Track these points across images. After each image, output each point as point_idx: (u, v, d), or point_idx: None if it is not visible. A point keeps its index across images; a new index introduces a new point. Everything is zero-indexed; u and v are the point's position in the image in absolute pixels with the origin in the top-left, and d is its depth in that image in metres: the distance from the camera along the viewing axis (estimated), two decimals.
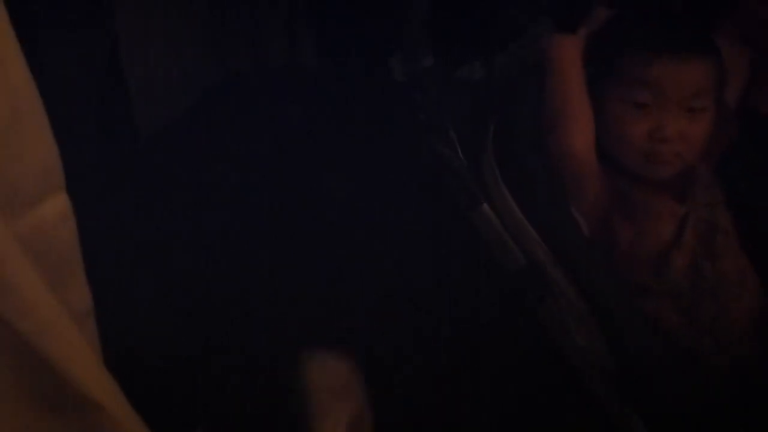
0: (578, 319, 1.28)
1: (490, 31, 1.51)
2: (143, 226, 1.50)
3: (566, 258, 1.30)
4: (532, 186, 1.34)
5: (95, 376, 0.75)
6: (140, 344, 1.26)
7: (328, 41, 1.74)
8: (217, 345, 1.45)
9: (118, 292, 1.29)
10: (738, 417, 1.21)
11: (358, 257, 1.51)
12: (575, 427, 1.28)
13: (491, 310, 1.33)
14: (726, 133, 1.37)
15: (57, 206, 0.78)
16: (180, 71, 1.77)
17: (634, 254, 1.31)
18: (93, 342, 0.86)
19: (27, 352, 0.70)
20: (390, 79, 1.52)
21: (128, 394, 0.82)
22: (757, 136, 1.41)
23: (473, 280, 1.35)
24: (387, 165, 1.55)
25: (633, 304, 1.28)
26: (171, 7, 1.72)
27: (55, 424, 0.75)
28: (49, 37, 1.39)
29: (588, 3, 1.45)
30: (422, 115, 1.44)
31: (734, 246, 1.33)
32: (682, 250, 1.29)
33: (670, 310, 1.28)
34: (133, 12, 1.63)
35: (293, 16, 1.73)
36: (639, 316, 1.28)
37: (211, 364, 1.41)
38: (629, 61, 1.30)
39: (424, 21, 1.51)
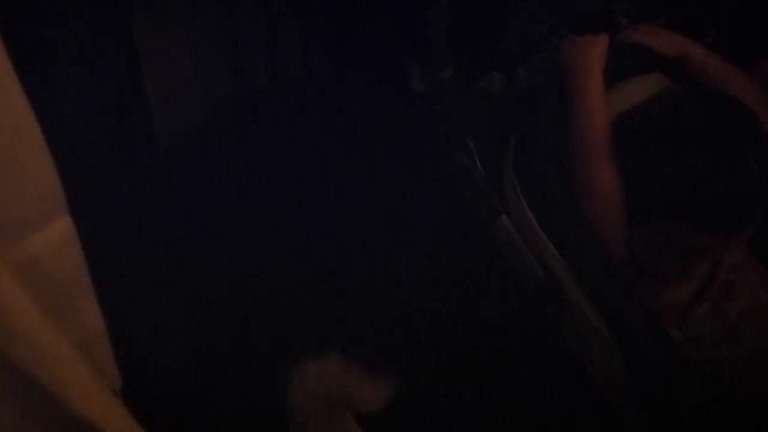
0: (597, 335, 1.26)
1: (511, 43, 1.50)
2: (162, 234, 1.51)
3: (583, 275, 1.28)
4: (552, 200, 1.33)
5: (99, 401, 0.74)
6: (160, 349, 1.27)
7: (347, 53, 1.74)
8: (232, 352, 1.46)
9: (140, 299, 1.30)
10: None
11: (377, 267, 1.51)
12: None
13: (510, 320, 1.32)
14: None
15: (58, 231, 0.76)
16: (198, 85, 1.78)
17: (658, 307, 1.26)
18: (107, 363, 0.86)
19: (22, 377, 0.70)
20: (409, 90, 1.52)
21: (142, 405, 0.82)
22: None
23: (491, 290, 1.34)
24: (405, 176, 1.55)
25: (652, 326, 1.25)
26: (188, 23, 1.73)
27: None
28: (70, 53, 1.40)
29: (608, 18, 1.45)
30: (441, 127, 1.43)
31: (754, 278, 1.30)
32: (705, 299, 1.25)
33: (691, 352, 1.25)
34: (152, 28, 1.65)
35: (307, 29, 1.73)
36: (659, 339, 1.25)
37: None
38: None
39: (444, 33, 1.50)
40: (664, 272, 1.23)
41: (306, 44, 1.77)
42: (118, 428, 0.75)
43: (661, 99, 1.23)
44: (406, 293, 1.47)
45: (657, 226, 1.17)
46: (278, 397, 1.30)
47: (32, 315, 0.69)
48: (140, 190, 1.54)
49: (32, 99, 0.72)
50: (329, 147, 1.63)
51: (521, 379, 1.33)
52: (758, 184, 1.13)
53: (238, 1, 1.74)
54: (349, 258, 1.56)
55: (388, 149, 1.58)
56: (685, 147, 1.13)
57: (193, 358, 1.43)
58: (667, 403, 1.21)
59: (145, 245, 1.47)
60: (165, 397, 1.30)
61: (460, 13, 1.51)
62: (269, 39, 1.77)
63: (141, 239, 1.46)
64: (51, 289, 0.74)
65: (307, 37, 1.76)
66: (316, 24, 1.74)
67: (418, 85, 1.51)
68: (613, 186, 1.20)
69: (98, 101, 1.54)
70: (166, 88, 1.70)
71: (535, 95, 1.43)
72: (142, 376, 0.97)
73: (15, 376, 0.70)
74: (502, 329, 1.36)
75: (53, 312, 0.71)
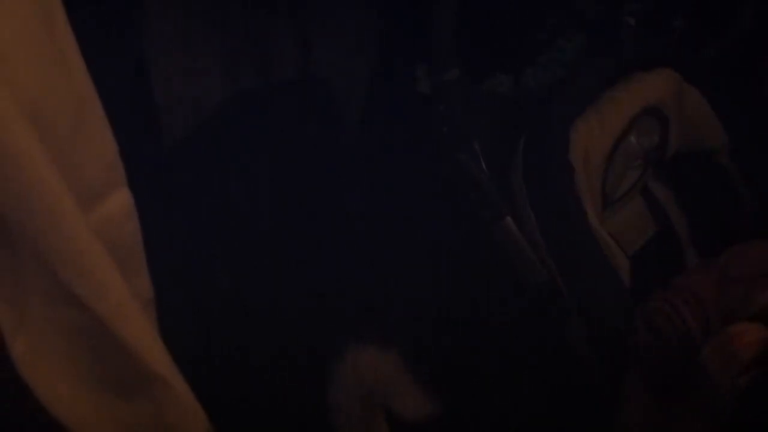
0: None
1: (518, 43, 1.49)
2: (163, 234, 1.50)
3: (578, 284, 1.27)
4: (558, 205, 1.31)
5: (161, 355, 0.79)
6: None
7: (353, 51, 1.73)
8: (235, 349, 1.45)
9: None
10: None
11: (378, 269, 1.50)
12: None
13: (513, 322, 1.31)
14: None
15: (121, 201, 0.81)
16: (200, 85, 1.78)
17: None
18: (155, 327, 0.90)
19: (104, 333, 0.74)
20: (414, 90, 1.51)
21: None
22: None
23: (494, 292, 1.33)
24: (409, 177, 1.54)
25: None
26: (191, 26, 1.74)
27: (128, 402, 0.79)
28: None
29: (616, 18, 1.44)
30: (445, 128, 1.42)
31: None
32: None
33: None
34: (159, 33, 1.66)
35: (305, 28, 1.74)
36: None
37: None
38: None
39: (449, 33, 1.49)
40: None
41: (305, 44, 1.77)
42: (181, 383, 0.80)
43: None
44: (408, 294, 1.45)
45: None
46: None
47: (114, 273, 0.73)
48: (141, 190, 1.54)
49: None
50: (331, 147, 1.63)
51: (523, 380, 1.32)
52: None
53: (238, 1, 1.74)
54: (350, 259, 1.55)
55: (390, 150, 1.57)
56: None
57: (191, 359, 1.42)
58: None
59: (145, 245, 1.46)
60: None
61: (465, 13, 1.50)
62: (270, 38, 1.76)
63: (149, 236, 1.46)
64: (116, 257, 0.76)
65: (307, 37, 1.76)
66: (312, 23, 1.74)
67: (423, 86, 1.50)
68: None
69: (110, 105, 1.55)
70: (169, 89, 1.70)
71: (544, 97, 1.42)
72: None
73: (98, 334, 0.74)
74: (505, 331, 1.34)
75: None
